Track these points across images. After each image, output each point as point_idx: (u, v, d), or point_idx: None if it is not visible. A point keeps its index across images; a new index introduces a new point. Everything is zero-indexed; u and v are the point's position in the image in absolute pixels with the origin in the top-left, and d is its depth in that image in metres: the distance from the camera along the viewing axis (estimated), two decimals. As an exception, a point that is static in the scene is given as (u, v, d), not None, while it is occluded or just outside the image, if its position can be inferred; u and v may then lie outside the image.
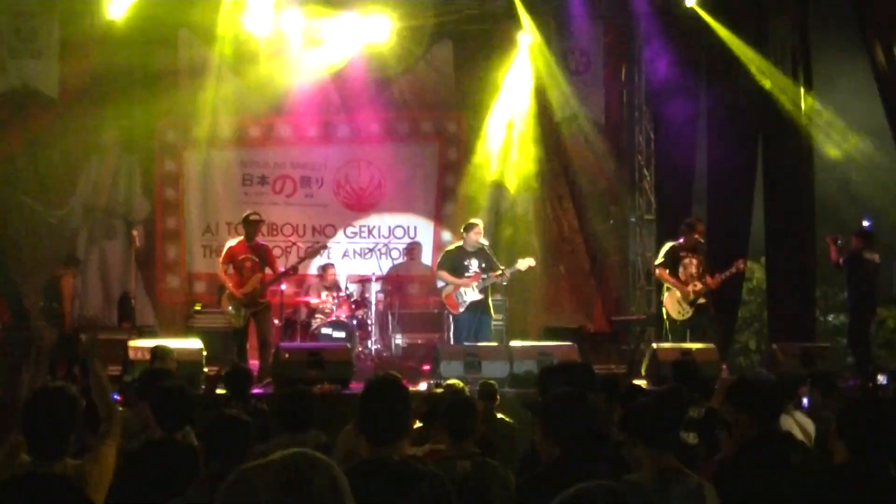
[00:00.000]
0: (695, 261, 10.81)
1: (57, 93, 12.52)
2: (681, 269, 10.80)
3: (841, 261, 11.12)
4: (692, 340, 10.67)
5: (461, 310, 10.75)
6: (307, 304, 12.07)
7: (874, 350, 12.26)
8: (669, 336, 10.99)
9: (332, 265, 12.38)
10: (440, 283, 11.29)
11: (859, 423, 3.44)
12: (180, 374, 7.69)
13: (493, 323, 11.36)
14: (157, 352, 7.85)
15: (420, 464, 3.47)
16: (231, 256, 10.51)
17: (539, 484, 3.62)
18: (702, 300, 10.76)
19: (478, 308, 10.75)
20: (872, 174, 13.54)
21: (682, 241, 10.99)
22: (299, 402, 5.09)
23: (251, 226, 10.61)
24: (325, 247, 12.34)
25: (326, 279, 12.19)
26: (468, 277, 10.65)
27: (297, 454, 2.15)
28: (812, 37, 12.01)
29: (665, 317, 11.08)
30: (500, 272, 10.65)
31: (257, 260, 10.48)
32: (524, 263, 10.85)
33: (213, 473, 3.80)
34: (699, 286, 10.69)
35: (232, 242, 10.82)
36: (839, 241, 11.24)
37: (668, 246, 11.20)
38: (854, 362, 11.21)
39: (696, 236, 10.92)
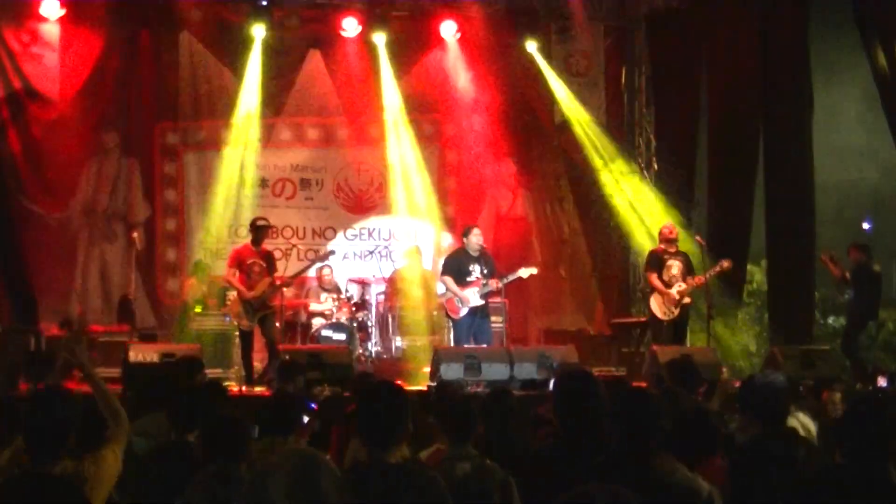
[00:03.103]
0: (677, 262, 10.83)
1: (57, 94, 12.52)
2: (664, 272, 10.83)
3: (847, 275, 11.14)
4: (676, 340, 10.71)
5: (461, 314, 10.73)
6: (307, 307, 12.08)
7: (874, 353, 12.31)
8: (654, 337, 11.03)
9: (328, 265, 12.36)
10: (440, 287, 11.27)
11: (854, 425, 3.46)
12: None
13: (494, 326, 11.36)
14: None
15: (417, 466, 3.47)
16: (238, 260, 10.53)
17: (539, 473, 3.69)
18: (686, 300, 10.79)
19: (477, 312, 10.73)
20: (873, 175, 13.58)
21: (662, 244, 11.01)
22: (279, 408, 5.10)
23: (259, 231, 10.62)
24: (332, 253, 12.34)
25: (322, 281, 12.20)
26: (469, 283, 10.62)
27: (304, 454, 2.19)
28: (812, 37, 12.01)
29: (650, 317, 11.12)
30: (499, 280, 10.61)
31: (265, 265, 10.51)
32: (526, 271, 10.81)
33: (211, 473, 3.80)
34: (684, 287, 10.71)
35: (238, 246, 10.87)
36: (833, 256, 11.29)
37: (651, 250, 11.26)
38: (851, 366, 11.22)
39: (672, 238, 10.93)
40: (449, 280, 10.78)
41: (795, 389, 6.47)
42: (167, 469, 4.07)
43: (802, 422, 5.89)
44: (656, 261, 10.90)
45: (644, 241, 12.59)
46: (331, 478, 2.14)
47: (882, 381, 10.00)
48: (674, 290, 10.70)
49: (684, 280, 10.74)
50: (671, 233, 10.96)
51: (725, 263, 10.73)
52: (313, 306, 12.02)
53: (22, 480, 3.48)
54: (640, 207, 13.03)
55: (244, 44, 12.93)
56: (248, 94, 13.13)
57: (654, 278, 10.84)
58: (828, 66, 12.76)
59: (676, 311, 10.75)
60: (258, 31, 12.77)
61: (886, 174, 13.27)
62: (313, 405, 5.79)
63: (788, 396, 4.39)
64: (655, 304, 10.87)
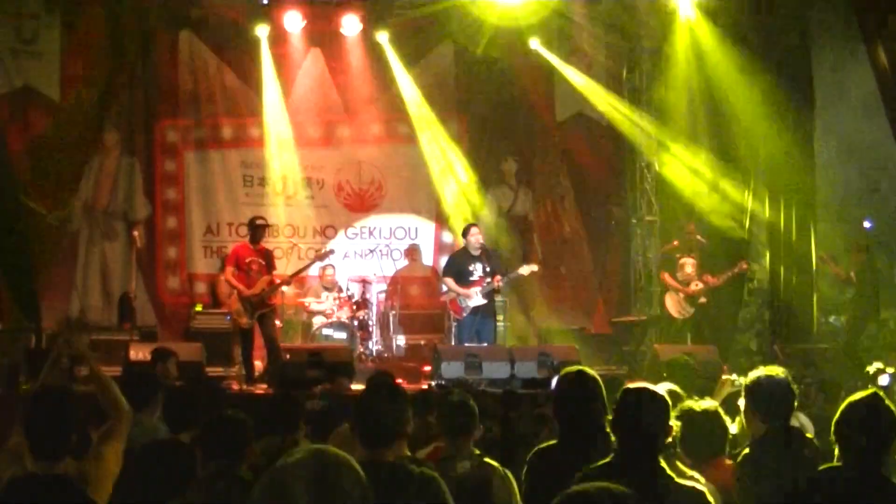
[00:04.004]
0: (690, 261, 10.84)
1: (58, 94, 12.52)
2: (678, 270, 10.82)
3: (852, 275, 11.13)
4: (692, 340, 10.70)
5: (465, 314, 10.74)
6: (308, 306, 12.08)
7: (875, 352, 12.28)
8: (669, 336, 11.02)
9: (331, 265, 12.38)
10: (444, 289, 11.29)
11: (851, 424, 3.46)
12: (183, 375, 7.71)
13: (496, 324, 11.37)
14: (159, 353, 7.84)
15: (415, 465, 3.47)
16: (237, 259, 10.56)
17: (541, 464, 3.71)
18: (702, 300, 10.78)
19: (480, 311, 10.73)
20: (873, 174, 13.55)
21: (675, 243, 11.02)
22: (282, 406, 5.10)
23: (257, 230, 10.65)
24: (331, 253, 12.34)
25: (325, 280, 12.21)
26: (472, 283, 10.62)
27: (324, 453, 2.18)
28: (813, 34, 12.00)
29: (664, 315, 11.11)
30: (499, 278, 10.61)
31: (263, 263, 10.54)
32: (527, 269, 10.82)
33: (211, 473, 3.80)
34: (700, 286, 10.70)
35: (237, 245, 10.90)
36: (834, 256, 11.31)
37: (663, 249, 11.28)
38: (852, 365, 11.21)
39: (689, 236, 10.94)
40: (450, 281, 10.80)
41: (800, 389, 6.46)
42: (157, 469, 4.05)
43: (801, 422, 5.89)
44: (670, 260, 10.93)
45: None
46: (353, 477, 2.13)
47: (883, 381, 9.99)
48: (690, 288, 10.70)
49: (700, 278, 10.75)
50: (691, 227, 10.98)
51: (744, 265, 10.75)
52: (314, 305, 12.02)
53: (26, 481, 3.48)
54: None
55: (245, 42, 12.95)
56: (250, 92, 13.19)
57: (668, 277, 10.84)
58: (829, 64, 12.74)
59: (692, 310, 10.75)
60: (262, 32, 12.76)
61: (887, 173, 13.24)
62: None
63: (794, 395, 4.39)
64: (670, 302, 10.88)
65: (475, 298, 10.61)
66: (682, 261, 10.85)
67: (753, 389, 4.32)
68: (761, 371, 4.30)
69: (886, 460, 3.44)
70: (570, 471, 3.25)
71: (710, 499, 3.35)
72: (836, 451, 3.54)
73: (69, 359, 8.81)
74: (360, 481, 2.20)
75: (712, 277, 10.75)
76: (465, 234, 10.92)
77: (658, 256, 12.82)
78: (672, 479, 3.32)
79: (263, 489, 2.21)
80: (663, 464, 3.36)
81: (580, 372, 3.99)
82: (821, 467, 3.70)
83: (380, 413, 3.40)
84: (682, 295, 10.75)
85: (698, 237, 11.81)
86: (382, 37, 13.11)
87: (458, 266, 10.81)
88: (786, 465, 3.96)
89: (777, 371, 4.31)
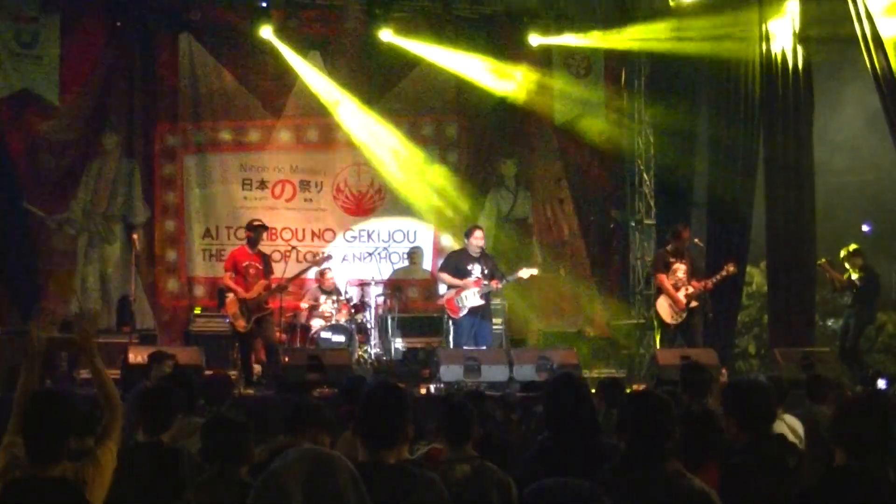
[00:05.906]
0: (682, 266, 10.82)
1: (57, 97, 12.52)
2: (670, 275, 10.81)
3: (855, 278, 11.12)
4: (683, 343, 10.70)
5: (462, 314, 10.72)
6: (307, 309, 12.08)
7: (873, 355, 12.31)
8: (661, 340, 11.02)
9: (330, 268, 12.38)
10: (441, 287, 11.27)
11: (855, 425, 3.45)
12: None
13: (493, 327, 11.35)
14: (155, 356, 7.85)
15: (417, 468, 3.48)
16: (235, 262, 10.58)
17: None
18: (693, 303, 10.77)
19: (478, 313, 10.72)
20: (872, 178, 13.56)
21: (669, 247, 11.01)
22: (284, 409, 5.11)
23: (255, 232, 10.66)
24: (329, 257, 12.34)
25: (324, 283, 12.21)
26: (470, 280, 10.62)
27: (317, 452, 2.19)
28: (813, 34, 12.01)
29: (657, 320, 11.10)
30: (499, 281, 10.60)
31: (261, 267, 10.55)
32: (526, 272, 10.80)
33: (211, 476, 3.80)
34: (691, 290, 10.69)
35: (235, 249, 10.92)
36: (832, 262, 11.31)
37: (658, 252, 11.27)
38: (850, 369, 11.20)
39: (683, 242, 10.93)
40: (446, 276, 10.79)
41: (781, 391, 6.42)
42: (137, 471, 4.03)
43: (789, 423, 5.88)
44: (663, 262, 10.91)
45: None
46: (347, 477, 2.15)
47: (882, 384, 10.01)
48: (681, 295, 10.68)
49: (690, 283, 10.74)
50: (687, 233, 10.95)
51: (731, 268, 10.71)
52: (312, 307, 12.01)
53: (23, 484, 3.47)
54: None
55: (244, 45, 12.96)
56: (248, 96, 13.20)
57: (664, 280, 10.82)
58: (828, 65, 12.74)
59: (684, 315, 10.73)
60: (265, 33, 12.75)
61: (886, 175, 13.24)
62: None
63: (773, 398, 4.35)
64: (663, 308, 10.85)
65: (472, 298, 10.61)
66: (676, 265, 10.84)
67: (729, 395, 4.26)
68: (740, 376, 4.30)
69: (886, 459, 3.42)
70: (563, 472, 3.25)
71: (717, 500, 3.35)
72: (837, 453, 3.52)
73: (68, 360, 8.82)
74: (355, 480, 2.21)
75: (699, 282, 10.74)
76: (468, 234, 10.90)
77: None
78: (681, 481, 3.33)
79: (259, 490, 2.22)
80: (673, 465, 3.37)
81: (569, 375, 4.02)
82: (827, 469, 3.68)
83: (384, 416, 3.41)
84: (674, 300, 10.74)
85: (696, 241, 11.81)
86: (384, 37, 13.09)
87: (455, 264, 10.81)
88: (768, 473, 3.91)
89: (755, 375, 4.30)
